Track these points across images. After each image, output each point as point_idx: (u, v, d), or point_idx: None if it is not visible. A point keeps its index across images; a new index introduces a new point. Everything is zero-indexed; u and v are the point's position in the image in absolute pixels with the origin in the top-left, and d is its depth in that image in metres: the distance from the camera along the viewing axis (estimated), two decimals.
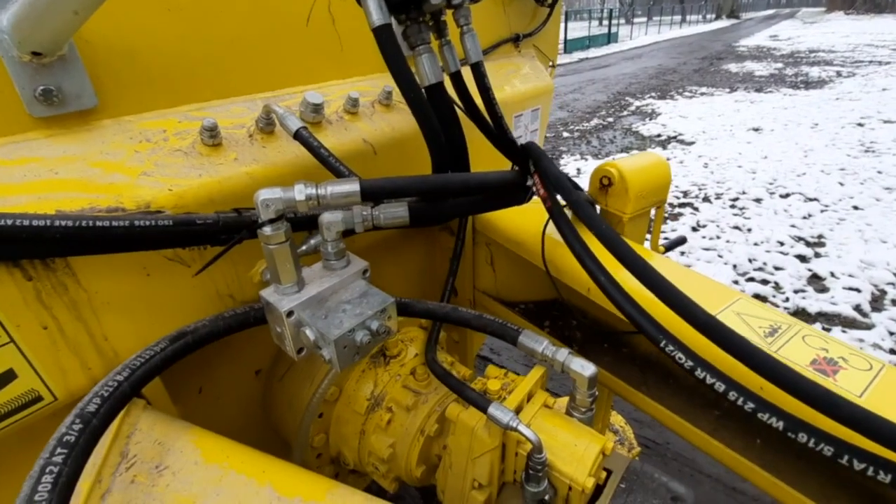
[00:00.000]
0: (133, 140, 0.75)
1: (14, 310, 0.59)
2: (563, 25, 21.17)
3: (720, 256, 3.87)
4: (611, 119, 8.63)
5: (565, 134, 7.79)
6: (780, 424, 0.58)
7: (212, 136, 0.76)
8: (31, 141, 0.68)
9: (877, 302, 3.23)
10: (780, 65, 14.51)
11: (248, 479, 0.58)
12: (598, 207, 1.24)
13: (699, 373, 0.66)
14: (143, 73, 0.77)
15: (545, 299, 1.45)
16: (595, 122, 8.50)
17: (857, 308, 3.18)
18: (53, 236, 0.55)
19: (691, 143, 6.95)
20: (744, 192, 5.09)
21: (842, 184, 5.17)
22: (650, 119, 8.48)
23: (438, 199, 0.73)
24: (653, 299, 0.73)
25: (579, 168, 6.08)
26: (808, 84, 11.16)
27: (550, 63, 1.78)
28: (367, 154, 0.98)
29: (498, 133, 0.84)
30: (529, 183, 0.85)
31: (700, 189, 5.22)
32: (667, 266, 1.11)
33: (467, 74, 0.91)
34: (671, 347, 0.70)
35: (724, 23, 42.68)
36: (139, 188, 0.69)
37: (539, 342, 0.88)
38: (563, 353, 0.85)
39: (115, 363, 0.71)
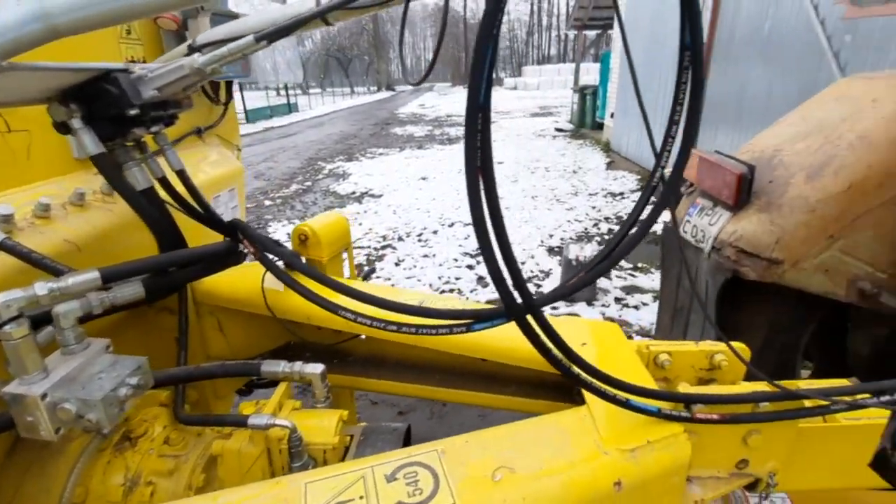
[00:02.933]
0: None
1: None
2: (240, 97, 20.99)
3: (419, 280, 4.84)
4: (309, 183, 9.37)
5: (267, 202, 8.03)
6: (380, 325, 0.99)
7: None
8: None
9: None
10: (430, 127, 18.54)
11: None
12: (303, 258, 1.59)
13: (372, 324, 1.02)
14: None
15: (278, 346, 1.70)
16: (294, 187, 9.06)
17: None
18: None
19: (380, 196, 8.25)
20: (425, 228, 6.44)
21: None
22: (343, 179, 9.61)
23: (170, 271, 0.92)
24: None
25: (289, 234, 6.40)
26: (451, 140, 14.71)
27: (237, 147, 2.06)
28: (73, 251, 1.05)
29: (207, 216, 1.08)
30: (242, 249, 1.12)
31: (394, 232, 6.32)
32: (362, 285, 1.55)
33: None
34: (362, 319, 1.05)
35: (384, 94, 51.32)
36: None
37: (278, 364, 1.14)
38: (298, 365, 1.14)
39: None
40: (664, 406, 0.87)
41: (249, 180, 9.65)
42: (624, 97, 10.36)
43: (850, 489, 1.08)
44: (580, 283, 0.85)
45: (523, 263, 5.14)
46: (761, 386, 0.98)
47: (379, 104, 34.39)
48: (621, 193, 7.81)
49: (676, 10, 0.71)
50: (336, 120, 22.41)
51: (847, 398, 0.93)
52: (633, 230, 0.88)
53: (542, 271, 4.98)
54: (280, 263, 1.26)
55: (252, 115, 21.31)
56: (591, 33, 19.49)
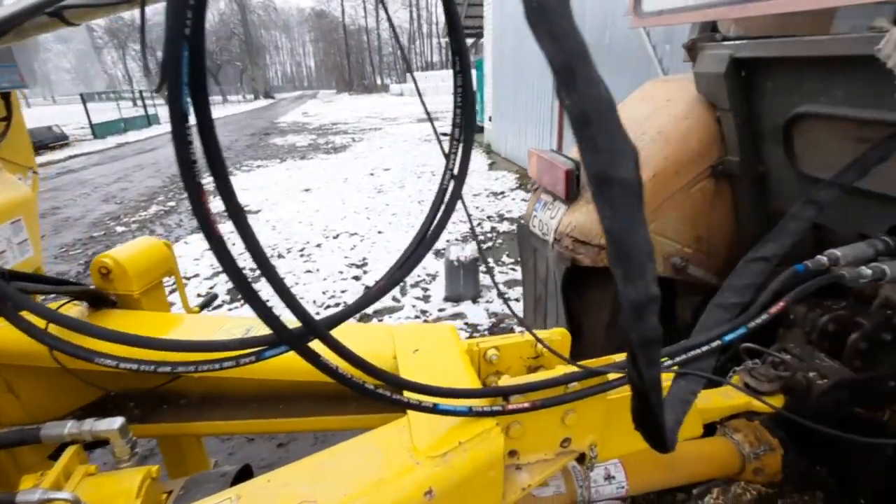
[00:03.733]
0: None
1: None
2: (83, 109, 18.28)
3: (302, 298, 4.60)
4: (172, 203, 8.46)
5: (119, 228, 7.09)
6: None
7: None
8: None
9: (402, 290, 4.70)
10: (314, 136, 17.89)
11: None
12: (112, 296, 1.38)
13: (140, 367, 0.89)
14: None
15: (94, 400, 1.45)
16: (155, 209, 8.12)
17: (394, 298, 4.52)
18: None
19: (258, 211, 7.74)
20: (308, 242, 6.16)
21: (369, 218, 7.07)
22: (214, 197, 8.84)
23: None
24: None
25: None
26: (336, 149, 14.33)
27: (30, 170, 1.75)
28: None
29: None
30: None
31: (273, 249, 5.95)
32: (180, 320, 1.39)
33: None
34: (126, 364, 0.91)
35: (262, 102, 48.55)
36: None
37: (62, 426, 0.97)
38: (88, 423, 0.98)
39: None
40: (477, 404, 0.88)
41: (97, 205, 8.45)
42: (499, 101, 10.94)
43: None
44: (378, 293, 0.83)
45: None
46: (572, 368, 1.04)
47: (256, 113, 32.46)
48: (502, 192, 8.22)
49: None
50: None
51: None
52: (430, 231, 0.88)
53: (428, 275, 5.03)
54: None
55: (100, 130, 18.70)
56: (468, 41, 20.32)
